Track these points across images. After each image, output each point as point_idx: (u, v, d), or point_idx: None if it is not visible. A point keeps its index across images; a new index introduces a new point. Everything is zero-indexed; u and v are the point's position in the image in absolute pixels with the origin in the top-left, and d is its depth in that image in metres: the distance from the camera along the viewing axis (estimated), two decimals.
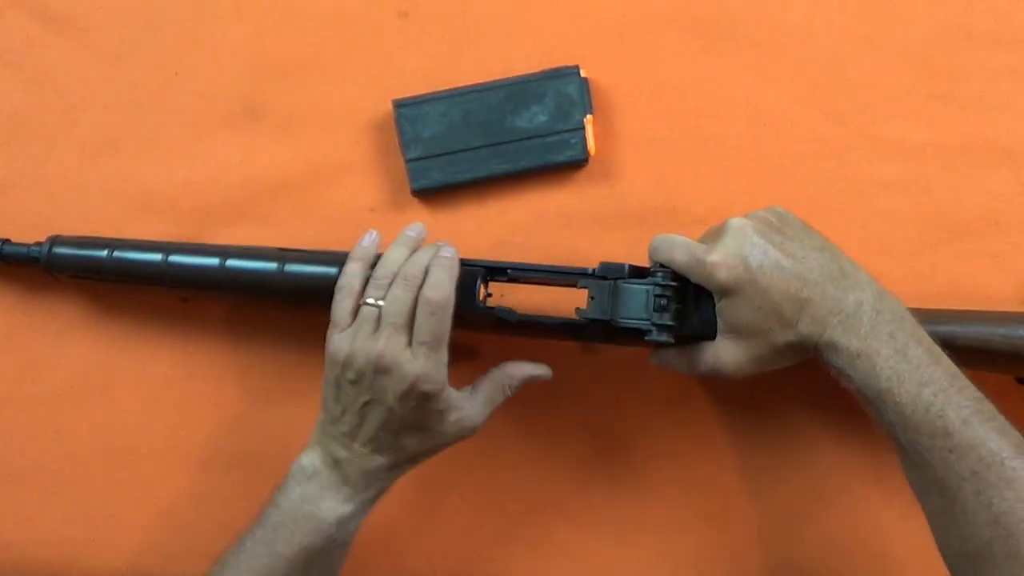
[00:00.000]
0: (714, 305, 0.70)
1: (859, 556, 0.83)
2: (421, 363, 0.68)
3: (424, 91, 0.86)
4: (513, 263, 0.76)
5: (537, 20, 0.88)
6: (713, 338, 0.70)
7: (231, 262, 0.80)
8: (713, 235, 0.71)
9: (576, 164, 0.86)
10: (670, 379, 0.83)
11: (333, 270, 0.76)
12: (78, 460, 0.87)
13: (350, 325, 0.71)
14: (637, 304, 0.72)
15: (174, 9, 0.91)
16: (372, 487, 0.72)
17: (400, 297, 0.70)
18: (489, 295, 0.76)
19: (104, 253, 0.82)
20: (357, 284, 0.72)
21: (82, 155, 0.90)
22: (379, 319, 0.70)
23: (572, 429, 0.85)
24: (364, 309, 0.71)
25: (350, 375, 0.70)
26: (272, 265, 0.79)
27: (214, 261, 0.80)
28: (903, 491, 0.81)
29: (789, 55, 0.86)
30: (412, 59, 0.88)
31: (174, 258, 0.81)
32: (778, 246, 0.68)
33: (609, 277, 0.73)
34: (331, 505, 0.71)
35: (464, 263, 0.74)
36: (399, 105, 0.86)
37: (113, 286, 0.85)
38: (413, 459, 0.73)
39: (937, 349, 0.66)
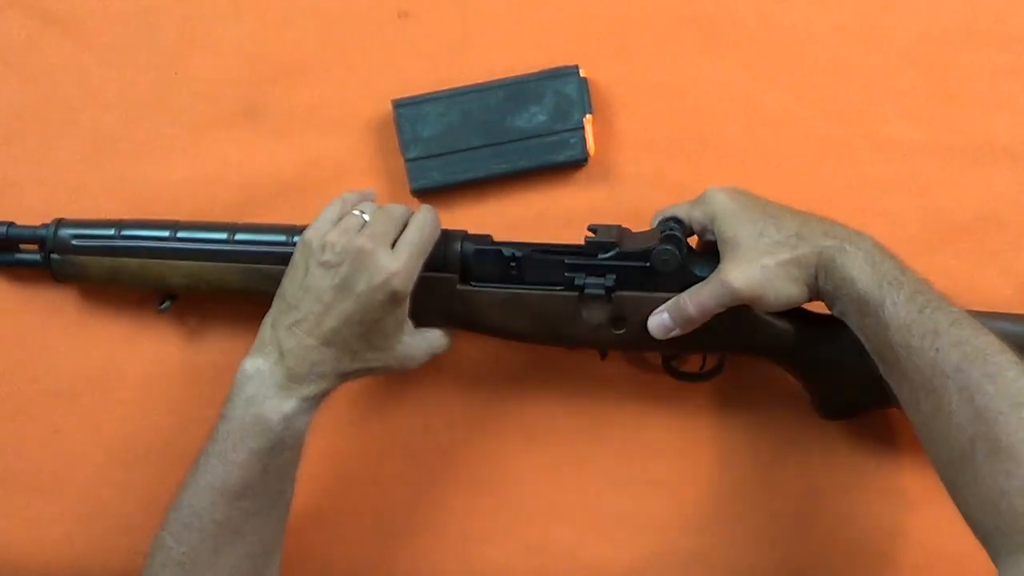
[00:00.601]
0: (716, 261, 0.72)
1: (859, 556, 0.83)
2: (402, 260, 0.71)
3: (424, 91, 0.86)
4: (506, 242, 0.79)
5: (537, 20, 0.88)
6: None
7: (240, 235, 0.81)
8: None
9: (575, 164, 0.86)
10: (670, 379, 0.83)
11: None
12: (77, 460, 0.88)
13: (332, 222, 0.73)
14: (644, 239, 0.76)
15: (174, 9, 0.91)
16: (314, 383, 0.72)
17: (390, 213, 0.74)
18: None
19: (112, 231, 0.83)
20: (349, 204, 0.76)
21: (82, 155, 0.90)
22: (363, 226, 0.72)
23: (570, 428, 0.85)
24: (349, 216, 0.74)
25: (325, 256, 0.71)
26: (280, 236, 0.80)
27: (222, 233, 0.81)
28: (903, 491, 0.81)
29: (789, 55, 0.86)
30: (412, 59, 0.88)
31: (183, 232, 0.82)
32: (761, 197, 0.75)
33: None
34: (274, 404, 0.71)
35: (468, 234, 0.79)
36: (399, 105, 0.86)
37: (107, 273, 0.84)
38: (357, 367, 0.74)
39: (911, 272, 0.70)
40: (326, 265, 0.71)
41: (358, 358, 0.73)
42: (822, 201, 0.84)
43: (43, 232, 0.84)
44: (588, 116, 0.85)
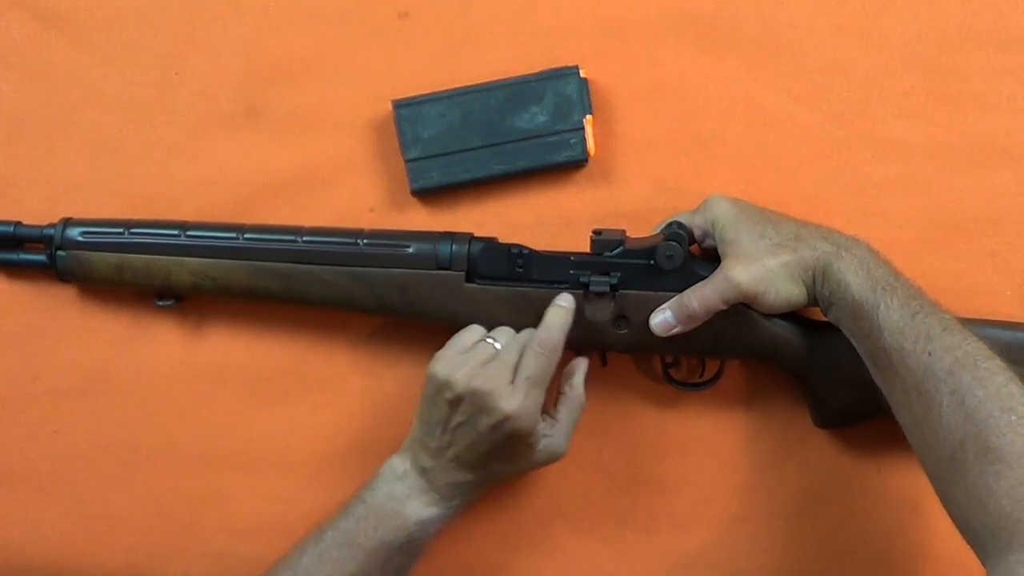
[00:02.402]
0: (717, 263, 0.74)
1: (859, 556, 0.83)
2: (519, 399, 0.72)
3: (424, 91, 0.86)
4: (514, 243, 0.79)
5: (537, 20, 0.88)
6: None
7: (249, 234, 0.81)
8: None
9: (575, 164, 0.86)
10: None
11: (351, 239, 0.80)
12: (78, 460, 0.88)
13: (463, 353, 0.74)
14: (648, 241, 0.77)
15: (174, 9, 0.91)
16: (457, 497, 0.75)
17: (517, 339, 0.75)
18: None
19: (120, 229, 0.83)
20: (485, 331, 0.76)
21: (82, 155, 0.90)
22: (493, 357, 0.73)
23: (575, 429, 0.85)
24: (482, 344, 0.75)
25: (448, 395, 0.73)
26: (290, 236, 0.81)
27: (231, 233, 0.81)
28: (903, 491, 0.81)
29: (789, 55, 0.86)
30: (412, 59, 0.88)
31: (192, 231, 0.82)
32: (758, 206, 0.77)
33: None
34: (416, 507, 0.73)
35: (475, 236, 0.80)
36: (398, 105, 0.86)
37: (113, 271, 0.84)
38: (498, 479, 0.77)
39: (903, 279, 0.73)
40: (449, 403, 0.73)
41: (497, 472, 0.76)
42: (822, 201, 0.85)
43: (50, 231, 0.84)
44: (588, 116, 0.85)
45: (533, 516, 0.85)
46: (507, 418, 0.71)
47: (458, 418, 0.73)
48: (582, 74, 0.85)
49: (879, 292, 0.69)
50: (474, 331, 0.76)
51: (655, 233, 0.79)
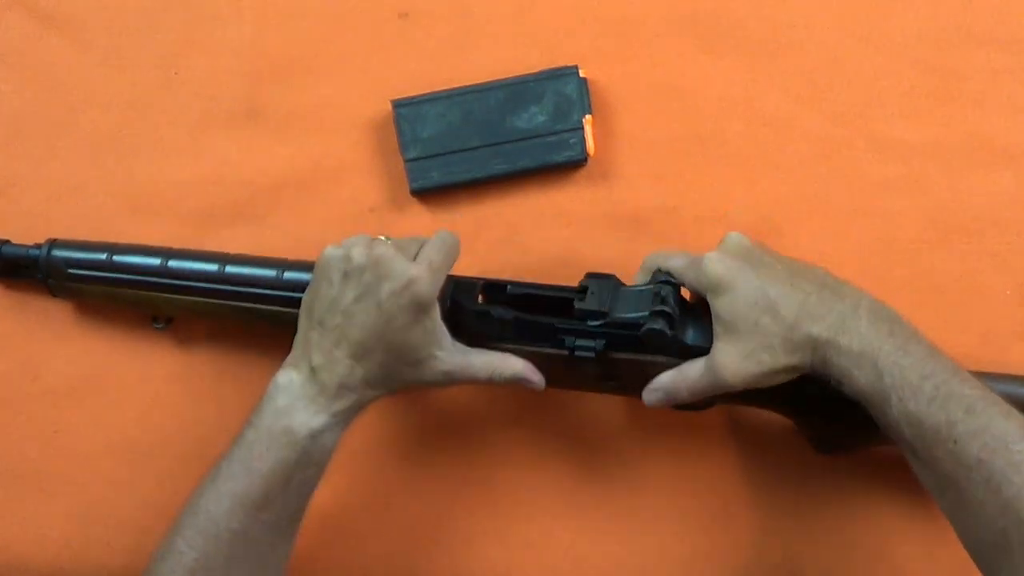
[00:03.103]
0: (710, 323, 0.69)
1: (859, 556, 0.83)
2: (423, 267, 0.69)
3: (423, 91, 0.86)
4: (513, 280, 0.76)
5: (536, 20, 0.88)
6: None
7: (231, 267, 0.80)
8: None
9: (575, 164, 0.86)
10: None
11: None
12: (77, 460, 0.88)
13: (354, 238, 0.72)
14: (636, 303, 0.72)
15: (174, 9, 0.91)
16: (345, 397, 0.71)
17: (412, 240, 0.73)
18: None
19: (103, 256, 0.82)
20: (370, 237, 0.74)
21: (82, 155, 0.90)
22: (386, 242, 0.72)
23: (568, 427, 0.85)
24: (375, 238, 0.72)
25: (345, 267, 0.70)
26: (272, 272, 0.79)
27: (214, 266, 0.80)
28: (904, 491, 0.81)
29: (789, 55, 0.86)
30: (412, 59, 0.88)
31: (174, 262, 0.81)
32: (772, 255, 0.70)
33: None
34: (304, 418, 0.70)
35: (463, 278, 0.76)
36: (398, 105, 0.86)
37: (103, 297, 0.84)
38: (389, 381, 0.72)
39: (934, 347, 0.66)
40: (348, 275, 0.70)
41: (389, 372, 0.72)
42: (822, 201, 0.85)
43: (36, 252, 0.84)
44: (588, 116, 0.85)
45: (529, 515, 0.85)
46: (411, 280, 0.68)
47: (354, 290, 0.69)
48: (582, 74, 0.85)
49: (886, 381, 0.64)
50: (363, 236, 0.73)
51: (645, 286, 0.73)
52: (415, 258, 0.71)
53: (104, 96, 0.91)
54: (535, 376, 0.75)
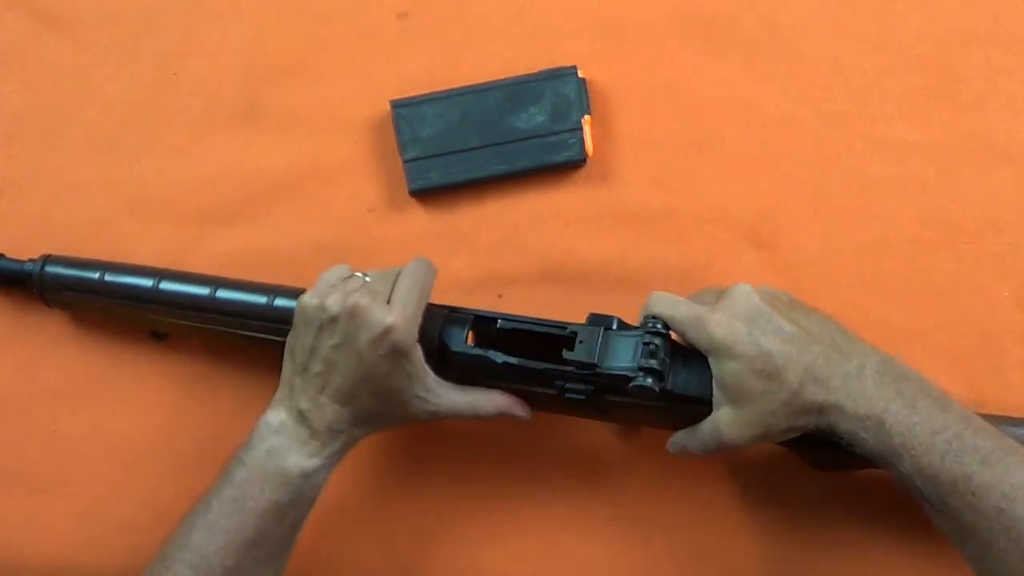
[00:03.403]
0: (707, 367, 0.68)
1: (858, 556, 0.83)
2: (398, 312, 0.69)
3: (423, 91, 0.86)
4: (503, 314, 0.75)
5: (535, 20, 0.88)
6: (706, 400, 0.69)
7: (222, 292, 0.79)
8: (713, 296, 0.70)
9: (574, 164, 0.86)
10: None
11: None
12: (77, 460, 0.88)
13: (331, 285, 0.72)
14: (625, 353, 0.70)
15: (174, 9, 0.91)
16: (337, 440, 0.72)
17: (386, 272, 0.73)
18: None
19: (96, 275, 0.82)
20: (347, 270, 0.75)
21: (82, 155, 0.91)
22: (363, 285, 0.71)
23: (569, 431, 0.85)
24: (351, 277, 0.73)
25: (323, 316, 0.70)
26: (262, 299, 0.79)
27: (204, 291, 0.80)
28: (899, 504, 0.81)
29: (789, 55, 0.86)
30: (411, 59, 0.88)
31: (165, 284, 0.81)
32: (782, 313, 0.68)
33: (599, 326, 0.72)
34: (297, 459, 0.71)
35: (454, 310, 0.75)
36: (397, 105, 0.86)
37: (98, 311, 0.85)
38: (375, 422, 0.73)
39: (948, 397, 0.65)
40: (324, 325, 0.70)
41: (376, 414, 0.73)
42: (822, 201, 0.84)
43: (30, 268, 0.84)
44: (587, 117, 0.85)
45: (530, 518, 0.85)
46: (387, 329, 0.68)
47: (334, 339, 0.70)
48: (580, 74, 0.85)
49: (897, 444, 0.63)
50: (341, 268, 0.74)
51: (636, 332, 0.71)
52: (389, 298, 0.71)
53: (104, 96, 0.91)
54: (520, 410, 0.76)
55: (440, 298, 0.85)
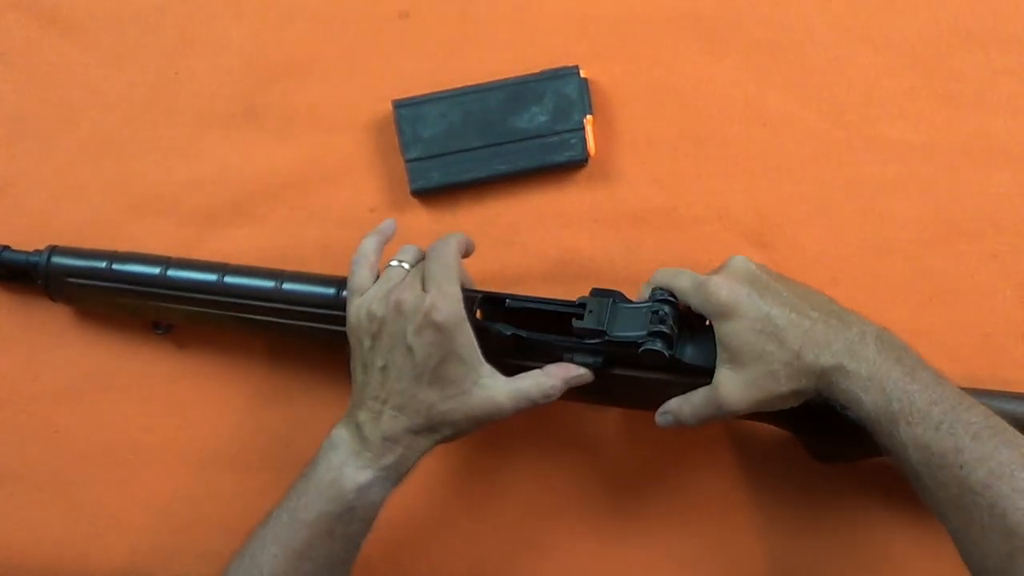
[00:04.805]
0: (713, 339, 0.69)
1: (858, 556, 0.83)
2: (432, 294, 0.69)
3: (424, 91, 0.86)
4: (511, 294, 0.76)
5: (537, 20, 0.88)
6: (711, 373, 0.70)
7: (229, 278, 0.80)
8: (714, 269, 0.72)
9: (576, 164, 0.86)
10: None
11: (330, 290, 0.79)
12: (77, 460, 0.88)
13: (368, 290, 0.73)
14: (635, 322, 0.71)
15: (174, 9, 0.91)
16: (391, 452, 0.71)
17: (416, 255, 0.74)
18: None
19: (103, 264, 0.82)
20: (372, 254, 0.75)
21: (82, 155, 0.90)
22: (402, 278, 0.72)
23: (572, 433, 0.85)
24: (390, 268, 0.73)
25: (372, 327, 0.71)
26: (269, 283, 0.80)
27: (212, 276, 0.80)
28: (903, 493, 0.81)
29: (789, 55, 0.86)
30: (412, 59, 0.88)
31: (173, 272, 0.81)
32: (777, 283, 0.69)
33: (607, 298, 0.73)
34: (351, 472, 0.71)
35: (463, 291, 0.74)
36: (399, 105, 0.86)
37: (103, 304, 0.85)
38: (435, 424, 0.72)
39: (940, 373, 0.66)
40: (376, 334, 0.71)
41: (434, 415, 0.71)
42: (822, 201, 0.85)
43: (36, 259, 0.84)
44: (588, 116, 0.85)
45: (533, 519, 0.85)
46: (426, 313, 0.69)
47: (386, 343, 0.70)
48: (582, 74, 0.85)
49: (894, 405, 0.64)
50: (365, 262, 0.74)
51: (644, 303, 0.72)
52: (423, 285, 0.71)
53: (104, 96, 0.91)
54: (578, 370, 0.73)
55: None
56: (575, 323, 0.72)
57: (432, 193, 0.87)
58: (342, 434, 0.72)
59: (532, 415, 0.80)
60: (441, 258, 0.72)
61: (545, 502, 0.85)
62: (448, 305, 0.69)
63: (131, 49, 0.91)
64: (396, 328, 0.70)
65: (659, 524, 0.84)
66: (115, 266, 0.82)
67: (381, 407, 0.71)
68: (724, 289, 0.68)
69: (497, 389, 0.71)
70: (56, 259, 0.83)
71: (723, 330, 0.68)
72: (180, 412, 0.88)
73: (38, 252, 0.84)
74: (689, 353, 0.71)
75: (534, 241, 0.86)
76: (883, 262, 0.84)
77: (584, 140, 0.85)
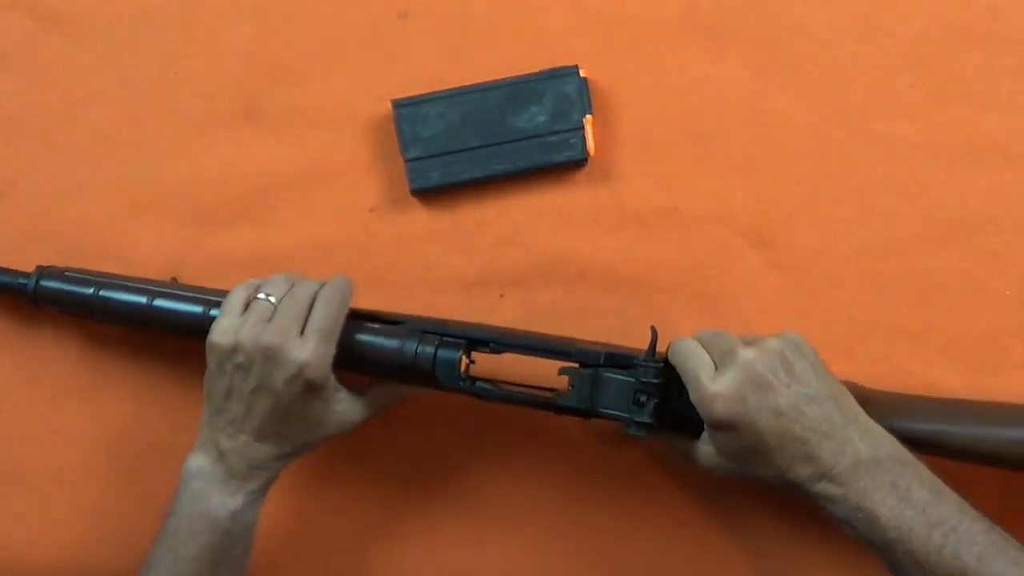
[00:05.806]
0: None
1: (856, 556, 0.83)
2: (311, 349, 0.70)
3: (424, 91, 0.86)
4: (496, 335, 0.75)
5: (537, 20, 0.88)
6: (694, 431, 0.71)
7: (214, 312, 0.79)
8: (723, 354, 0.69)
9: (575, 164, 0.86)
10: None
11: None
12: (77, 460, 0.88)
13: (239, 316, 0.72)
14: (618, 395, 0.72)
15: (174, 9, 0.91)
16: (258, 477, 0.73)
17: (297, 295, 0.72)
18: (472, 363, 0.76)
19: (90, 291, 0.82)
20: (253, 287, 0.74)
21: (82, 155, 0.90)
22: (273, 313, 0.72)
23: (548, 438, 0.85)
24: (257, 302, 0.72)
25: (238, 359, 0.71)
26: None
27: (197, 309, 0.79)
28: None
29: (789, 55, 0.86)
30: (412, 59, 0.88)
31: (159, 302, 0.81)
32: (780, 392, 0.66)
33: (589, 364, 0.73)
34: (220, 500, 0.72)
35: (445, 336, 0.75)
36: (398, 105, 0.86)
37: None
38: (297, 450, 0.75)
39: (940, 483, 0.65)
40: (240, 367, 0.71)
41: (297, 443, 0.74)
42: (822, 201, 0.85)
43: (24, 282, 0.84)
44: (588, 116, 0.85)
45: (501, 522, 0.85)
46: (302, 368, 0.69)
47: (250, 383, 0.71)
48: (582, 74, 0.85)
49: (892, 538, 0.63)
50: (242, 290, 0.74)
51: (627, 375, 0.72)
52: (303, 329, 0.71)
53: (104, 96, 0.91)
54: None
55: (442, 298, 0.86)
56: (558, 400, 0.73)
57: (432, 193, 0.87)
58: (201, 463, 0.73)
59: (506, 431, 0.80)
60: (331, 307, 0.72)
61: (525, 505, 0.85)
62: (324, 366, 0.71)
63: (131, 49, 0.91)
64: (265, 372, 0.70)
65: (645, 525, 0.84)
66: (102, 293, 0.82)
67: (243, 437, 0.72)
68: (720, 405, 0.66)
69: (354, 412, 0.75)
70: (44, 283, 0.83)
71: (715, 437, 0.69)
72: (179, 412, 0.88)
73: (27, 275, 0.84)
74: (672, 415, 0.73)
75: (534, 241, 0.85)
76: (883, 261, 0.84)
77: (584, 140, 0.85)
